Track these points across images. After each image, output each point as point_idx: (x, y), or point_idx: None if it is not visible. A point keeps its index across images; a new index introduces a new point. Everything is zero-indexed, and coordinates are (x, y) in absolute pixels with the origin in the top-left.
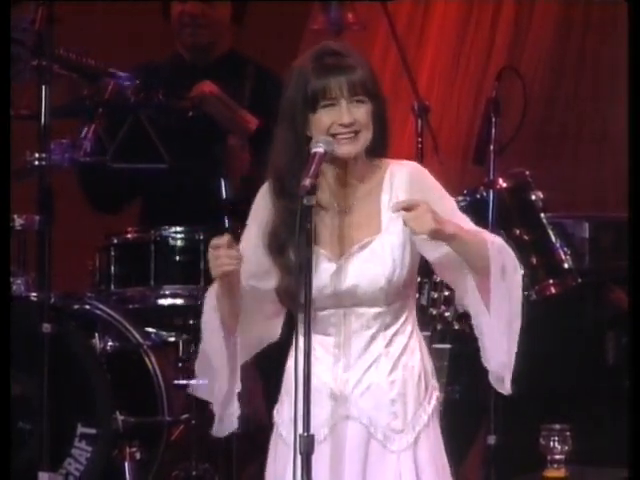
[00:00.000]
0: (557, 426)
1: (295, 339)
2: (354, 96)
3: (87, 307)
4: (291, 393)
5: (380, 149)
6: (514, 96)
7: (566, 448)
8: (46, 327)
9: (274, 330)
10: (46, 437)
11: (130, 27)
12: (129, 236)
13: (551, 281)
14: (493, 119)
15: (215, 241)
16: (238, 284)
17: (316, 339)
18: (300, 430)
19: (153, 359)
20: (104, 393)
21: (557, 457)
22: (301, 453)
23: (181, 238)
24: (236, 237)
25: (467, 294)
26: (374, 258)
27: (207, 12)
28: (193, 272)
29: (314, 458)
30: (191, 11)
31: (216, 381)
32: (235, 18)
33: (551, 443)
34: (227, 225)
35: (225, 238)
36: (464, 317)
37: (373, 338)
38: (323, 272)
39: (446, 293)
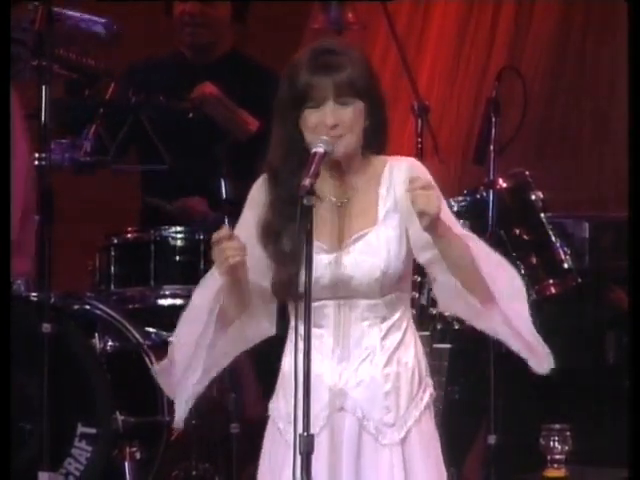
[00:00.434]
0: (557, 426)
1: (295, 332)
2: (340, 97)
3: (87, 307)
4: (286, 386)
5: (377, 146)
6: (514, 96)
7: (566, 448)
8: (46, 327)
9: (265, 330)
10: (46, 437)
11: (130, 27)
12: (129, 236)
13: (551, 281)
14: (493, 119)
15: (216, 235)
16: (246, 277)
17: (311, 331)
18: (300, 429)
19: (153, 359)
20: (104, 393)
21: (557, 457)
22: (301, 453)
23: (181, 238)
24: None
25: (459, 297)
26: (369, 250)
27: (207, 12)
28: (193, 272)
29: None
30: (191, 10)
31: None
32: (237, 17)
33: (551, 443)
34: (227, 225)
35: (225, 231)
36: None
37: (368, 330)
38: (319, 263)
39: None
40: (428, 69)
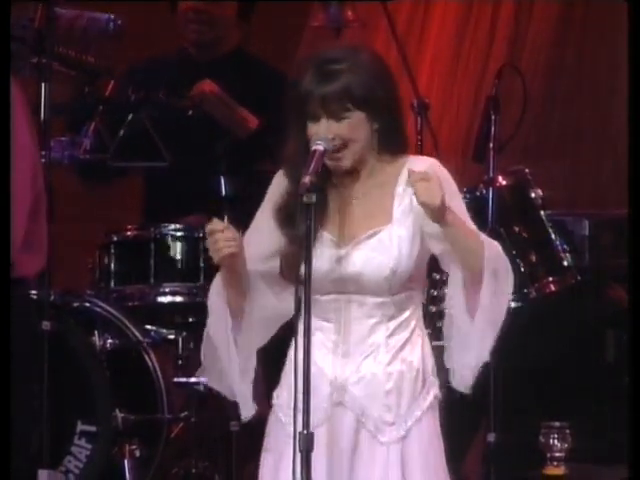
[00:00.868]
0: (557, 424)
1: (295, 326)
2: (333, 113)
3: (87, 305)
4: (290, 380)
5: (393, 146)
6: (514, 94)
7: (565, 446)
8: (46, 325)
9: (286, 309)
10: (46, 434)
11: (130, 26)
12: (129, 234)
13: (551, 279)
14: (493, 117)
15: (210, 226)
16: (243, 267)
17: (317, 324)
18: (300, 428)
19: (153, 357)
20: (104, 391)
21: (557, 455)
22: (301, 451)
23: (181, 236)
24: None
25: (458, 290)
26: (381, 248)
27: (212, 9)
28: (193, 270)
29: None
30: (196, 8)
31: (223, 364)
32: (242, 16)
33: (551, 441)
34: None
35: (219, 222)
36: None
37: (374, 328)
38: (329, 257)
39: (446, 291)
40: (428, 67)
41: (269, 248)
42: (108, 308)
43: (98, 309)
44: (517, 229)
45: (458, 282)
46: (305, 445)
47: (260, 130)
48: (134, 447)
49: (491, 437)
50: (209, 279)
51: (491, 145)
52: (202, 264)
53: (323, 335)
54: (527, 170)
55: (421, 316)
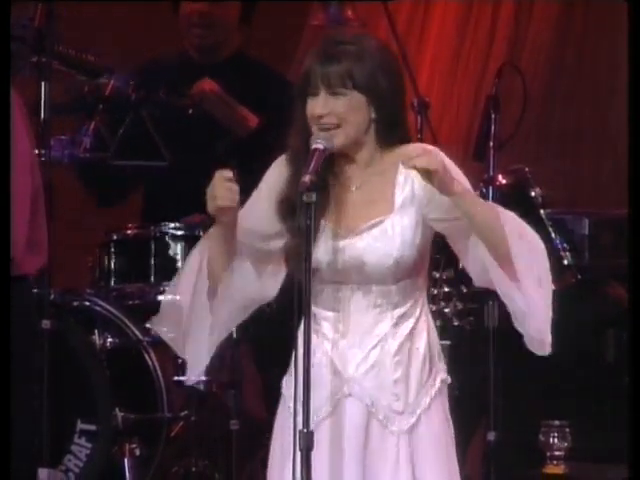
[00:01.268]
0: (556, 422)
1: (297, 315)
2: (331, 88)
3: (87, 303)
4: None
5: (392, 139)
6: (514, 93)
7: (565, 445)
8: (45, 323)
9: (269, 291)
10: (46, 433)
11: (130, 26)
12: (129, 232)
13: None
14: (493, 116)
15: (218, 173)
16: (234, 228)
17: (322, 314)
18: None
19: (153, 356)
20: (104, 389)
21: (556, 453)
22: (301, 449)
23: (181, 235)
24: None
25: (483, 264)
26: (384, 237)
27: (215, 12)
28: None
29: (315, 436)
30: (200, 10)
31: (186, 318)
32: (244, 17)
33: (550, 439)
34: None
35: (228, 172)
36: (463, 313)
37: (380, 317)
38: (331, 247)
39: (445, 289)
40: (428, 66)
41: (272, 228)
42: (108, 307)
43: (98, 308)
44: None
45: (484, 258)
46: (305, 444)
47: (260, 129)
48: (134, 446)
49: (491, 436)
50: None
51: (491, 144)
52: None
53: (330, 325)
54: (527, 169)
55: (426, 302)
